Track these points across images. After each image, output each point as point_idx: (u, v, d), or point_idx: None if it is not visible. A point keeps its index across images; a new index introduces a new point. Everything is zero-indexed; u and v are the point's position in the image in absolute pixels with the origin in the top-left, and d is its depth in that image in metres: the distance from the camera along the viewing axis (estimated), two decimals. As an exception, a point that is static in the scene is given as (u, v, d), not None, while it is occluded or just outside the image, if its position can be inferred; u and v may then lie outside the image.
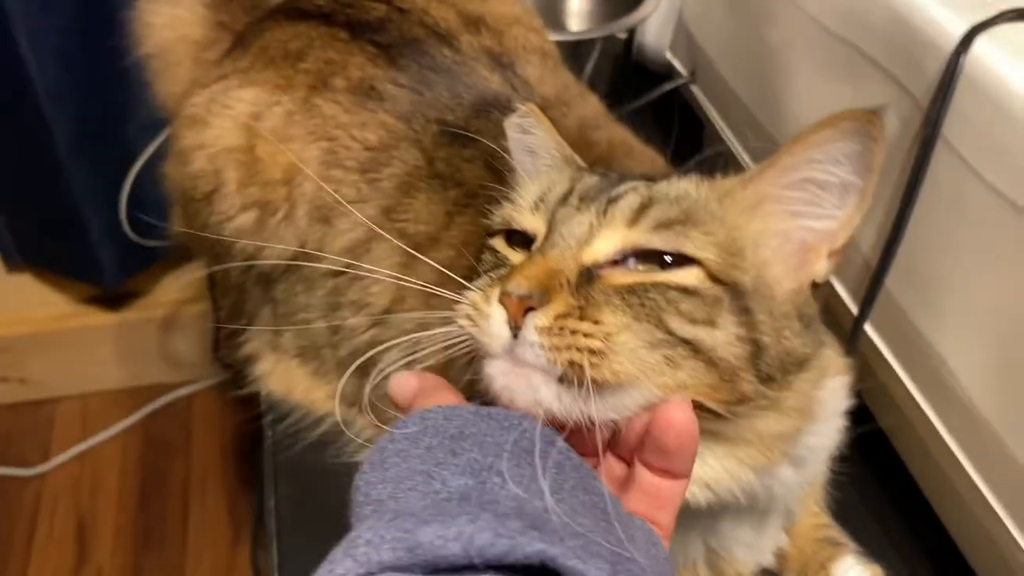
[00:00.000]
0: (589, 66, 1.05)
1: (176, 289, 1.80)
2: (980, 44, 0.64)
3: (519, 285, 0.48)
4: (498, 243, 0.58)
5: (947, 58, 0.65)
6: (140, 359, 1.89)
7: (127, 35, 0.91)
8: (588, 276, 0.50)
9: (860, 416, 0.64)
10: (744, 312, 0.50)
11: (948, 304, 0.67)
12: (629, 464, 0.49)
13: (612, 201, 0.53)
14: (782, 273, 0.52)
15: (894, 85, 0.70)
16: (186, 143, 0.78)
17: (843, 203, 0.52)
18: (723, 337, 0.49)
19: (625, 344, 0.47)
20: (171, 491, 1.81)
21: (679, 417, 0.46)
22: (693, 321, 0.48)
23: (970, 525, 0.68)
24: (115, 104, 1.45)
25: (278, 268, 0.77)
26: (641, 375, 0.47)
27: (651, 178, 0.57)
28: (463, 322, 0.50)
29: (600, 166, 0.67)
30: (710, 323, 0.49)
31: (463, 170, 0.74)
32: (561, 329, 0.47)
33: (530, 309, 0.47)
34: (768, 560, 0.65)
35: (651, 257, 0.51)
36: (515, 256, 0.56)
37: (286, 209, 0.75)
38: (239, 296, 0.82)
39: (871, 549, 0.70)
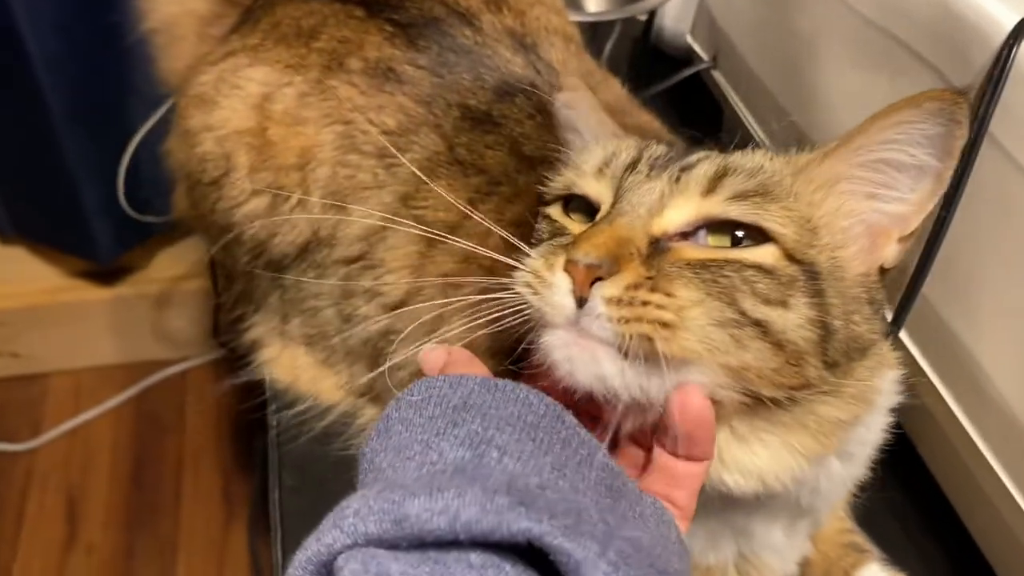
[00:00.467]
0: (607, 49, 1.02)
1: (172, 265, 1.78)
2: (1032, 37, 0.61)
3: (587, 253, 0.46)
4: (555, 211, 0.55)
5: (996, 50, 0.62)
6: (134, 335, 1.87)
7: (130, 9, 0.89)
8: (658, 247, 0.48)
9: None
10: (818, 294, 0.48)
11: (987, 308, 0.64)
12: (648, 450, 0.49)
13: (685, 169, 0.51)
14: (854, 255, 0.51)
15: (935, 77, 0.68)
16: (193, 123, 0.75)
17: (918, 187, 0.50)
18: (795, 319, 0.47)
19: (695, 320, 0.45)
20: (164, 468, 1.79)
21: (694, 403, 0.45)
22: (767, 302, 0.47)
23: (998, 531, 0.67)
24: (112, 76, 1.43)
25: (289, 255, 0.75)
26: (707, 353, 0.45)
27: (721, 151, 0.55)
28: (522, 289, 0.48)
29: None
30: (783, 304, 0.47)
31: (486, 157, 0.71)
32: (632, 300, 0.45)
33: (598, 279, 0.45)
34: (793, 571, 0.63)
35: (724, 230, 0.49)
36: (574, 225, 0.53)
37: (299, 195, 0.73)
38: (247, 282, 0.80)
39: (893, 555, 0.69)
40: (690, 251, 0.48)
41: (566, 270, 0.46)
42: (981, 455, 0.65)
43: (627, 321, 0.44)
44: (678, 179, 0.50)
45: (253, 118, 0.73)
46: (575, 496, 0.40)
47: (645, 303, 0.45)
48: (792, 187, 0.51)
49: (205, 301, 1.80)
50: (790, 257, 0.48)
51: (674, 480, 0.47)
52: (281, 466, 0.76)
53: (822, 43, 0.82)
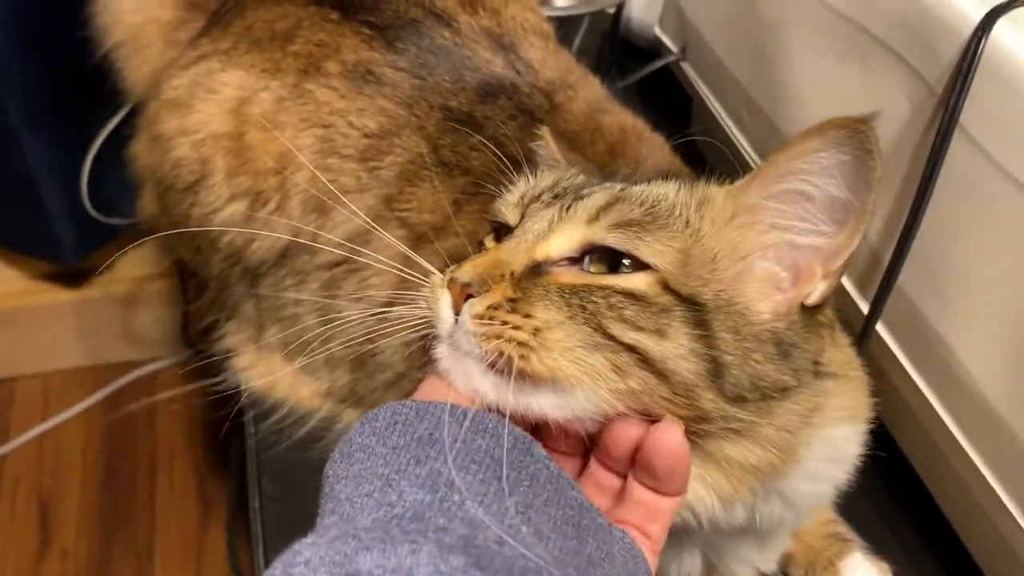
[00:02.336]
0: (576, 43, 1.02)
1: (139, 265, 1.76)
2: (1000, 28, 0.61)
3: (464, 272, 0.49)
4: (487, 239, 0.57)
5: (964, 42, 0.62)
6: (102, 336, 1.85)
7: (93, 28, 0.89)
8: (537, 271, 0.49)
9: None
10: (701, 326, 0.47)
11: (962, 299, 0.65)
12: (623, 477, 0.48)
13: (579, 198, 0.51)
14: (760, 290, 0.50)
15: (905, 69, 0.68)
16: (166, 128, 0.74)
17: (835, 220, 0.49)
18: (672, 348, 0.47)
19: (559, 342, 0.46)
20: (137, 470, 1.78)
21: (670, 440, 0.45)
22: (637, 328, 0.47)
23: (979, 521, 0.68)
24: (71, 76, 1.40)
25: (267, 261, 0.74)
26: (585, 376, 0.46)
27: (636, 181, 0.55)
28: (422, 303, 0.50)
29: (613, 154, 0.65)
30: (658, 332, 0.47)
31: (470, 158, 0.71)
32: (491, 319, 0.47)
33: (470, 296, 0.48)
34: (771, 568, 0.63)
35: (607, 259, 0.49)
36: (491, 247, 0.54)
37: (278, 199, 0.72)
38: (219, 290, 0.79)
39: (873, 544, 0.70)
40: (566, 276, 0.49)
41: (448, 287, 0.49)
42: (958, 444, 0.66)
43: (487, 338, 0.47)
44: (568, 207, 0.51)
45: (230, 122, 0.73)
46: (537, 545, 0.40)
47: (504, 322, 0.47)
48: (692, 218, 0.50)
49: (173, 301, 1.78)
50: (666, 287, 0.48)
51: (649, 514, 0.47)
52: (260, 473, 0.76)
53: (791, 34, 0.82)
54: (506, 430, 0.44)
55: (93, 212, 1.45)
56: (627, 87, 0.94)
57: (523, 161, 0.64)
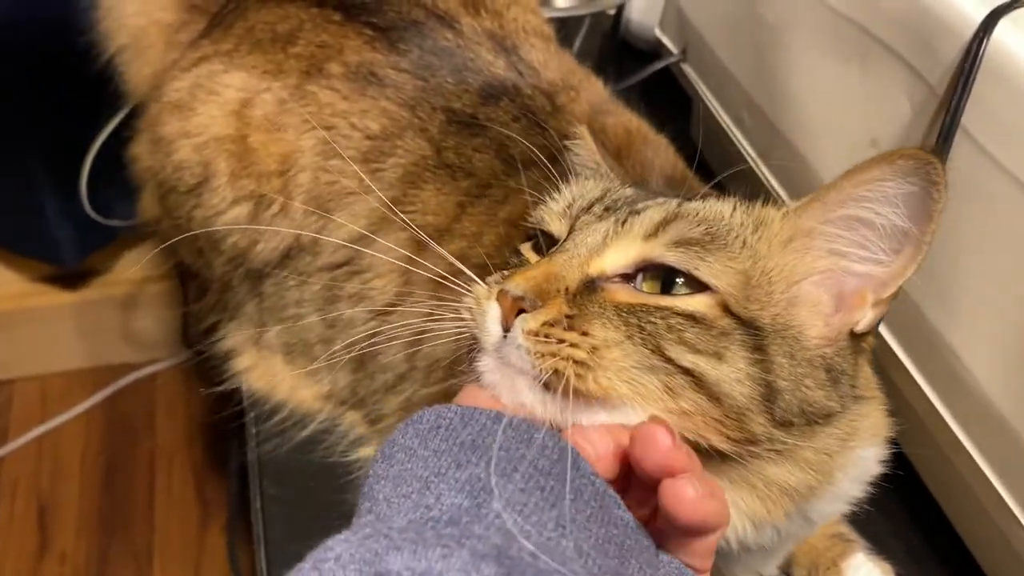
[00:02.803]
0: (577, 44, 1.02)
1: (137, 267, 1.76)
2: (1002, 29, 0.61)
3: (516, 286, 0.47)
4: (525, 247, 0.56)
5: (966, 43, 0.62)
6: (101, 338, 1.84)
7: (98, 33, 0.89)
8: (592, 287, 0.48)
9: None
10: (759, 350, 0.47)
11: (965, 301, 0.65)
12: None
13: (635, 212, 0.50)
14: (813, 315, 0.49)
15: (907, 69, 0.68)
16: (168, 130, 0.74)
17: (893, 249, 0.48)
18: (730, 372, 0.46)
19: (615, 361, 0.46)
20: (136, 473, 1.77)
21: (688, 494, 0.43)
22: (696, 351, 0.46)
23: (982, 523, 0.68)
24: (70, 77, 1.40)
25: (270, 263, 0.74)
26: (637, 396, 0.46)
27: (690, 197, 0.54)
28: (465, 314, 0.49)
29: (619, 156, 0.65)
30: (716, 355, 0.46)
31: (474, 160, 0.71)
32: (548, 336, 0.46)
33: (522, 311, 0.47)
34: (773, 572, 0.63)
35: (662, 277, 0.48)
36: (533, 259, 0.54)
37: (281, 201, 0.72)
38: (222, 291, 0.79)
39: (879, 548, 0.70)
40: (622, 294, 0.48)
41: (497, 300, 0.48)
42: (962, 447, 0.66)
43: (542, 355, 0.45)
44: (624, 222, 0.50)
45: (232, 124, 0.73)
46: (575, 561, 0.39)
47: (560, 340, 0.46)
48: (750, 239, 0.50)
49: (172, 302, 1.78)
50: (726, 309, 0.47)
51: (688, 551, 0.45)
52: (262, 474, 0.76)
53: (791, 34, 0.82)
54: (553, 442, 0.43)
55: (92, 214, 1.45)
56: (627, 88, 0.94)
57: (528, 164, 0.65)
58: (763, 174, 0.87)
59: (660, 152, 0.74)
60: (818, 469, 0.50)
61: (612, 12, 1.07)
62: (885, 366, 0.72)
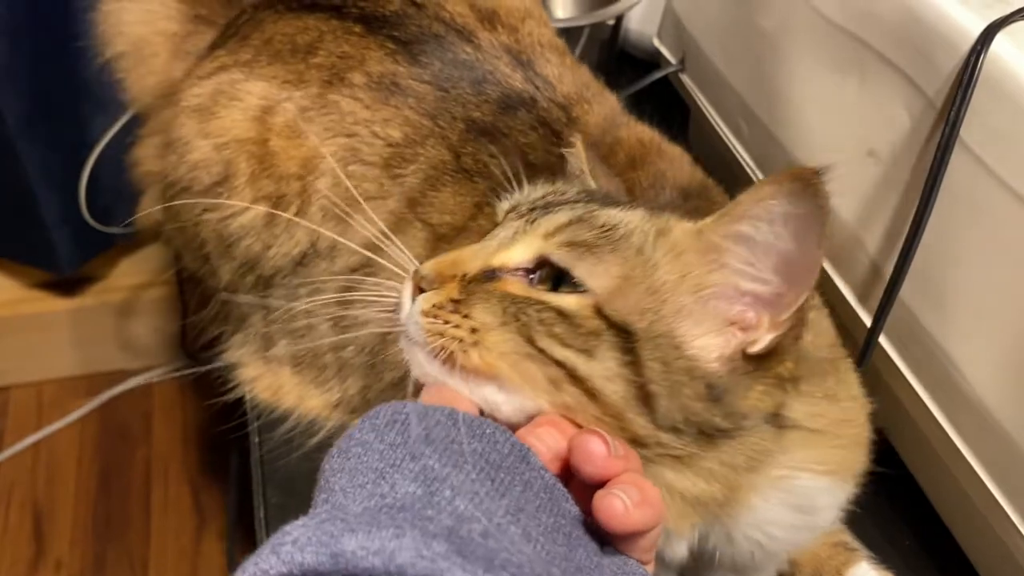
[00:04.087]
0: (576, 54, 1.02)
1: (135, 273, 1.76)
2: (999, 42, 0.62)
3: (424, 267, 0.53)
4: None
5: (963, 56, 0.63)
6: (97, 345, 1.84)
7: (94, 37, 0.89)
8: (492, 277, 0.52)
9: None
10: (629, 353, 0.48)
11: (963, 311, 0.66)
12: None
13: (548, 213, 0.53)
14: (698, 329, 0.49)
15: (905, 82, 0.69)
16: (186, 131, 0.75)
17: (778, 270, 0.48)
18: (600, 370, 0.48)
19: (496, 344, 0.49)
20: (132, 480, 1.77)
21: (617, 509, 0.44)
22: (565, 345, 0.48)
23: (979, 530, 0.68)
24: (68, 83, 1.40)
25: (282, 270, 0.74)
26: (524, 382, 0.49)
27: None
28: (397, 289, 0.55)
29: (633, 166, 0.69)
30: (586, 352, 0.48)
31: (491, 165, 0.72)
32: (436, 316, 0.51)
33: (423, 291, 0.52)
34: None
35: (553, 275, 0.51)
36: None
37: (299, 204, 0.73)
38: (227, 301, 0.79)
39: (876, 555, 0.70)
40: (512, 285, 0.51)
41: (412, 278, 0.53)
42: (960, 454, 0.67)
43: (431, 332, 0.50)
44: (534, 221, 0.53)
45: (254, 129, 0.74)
46: (524, 544, 0.41)
47: (446, 320, 0.50)
48: (647, 247, 0.50)
49: (170, 309, 1.78)
50: (598, 310, 0.49)
51: (632, 547, 0.47)
52: (266, 483, 0.76)
53: (789, 45, 0.83)
54: (503, 437, 0.46)
55: (91, 221, 1.45)
56: (626, 98, 0.95)
57: (544, 169, 0.67)
58: (759, 179, 0.87)
59: (674, 163, 0.75)
60: (724, 482, 0.50)
61: (611, 23, 1.07)
62: (883, 373, 0.73)
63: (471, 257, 0.53)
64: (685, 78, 1.01)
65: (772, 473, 0.52)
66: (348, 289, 0.72)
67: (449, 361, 0.50)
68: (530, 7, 0.83)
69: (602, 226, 0.51)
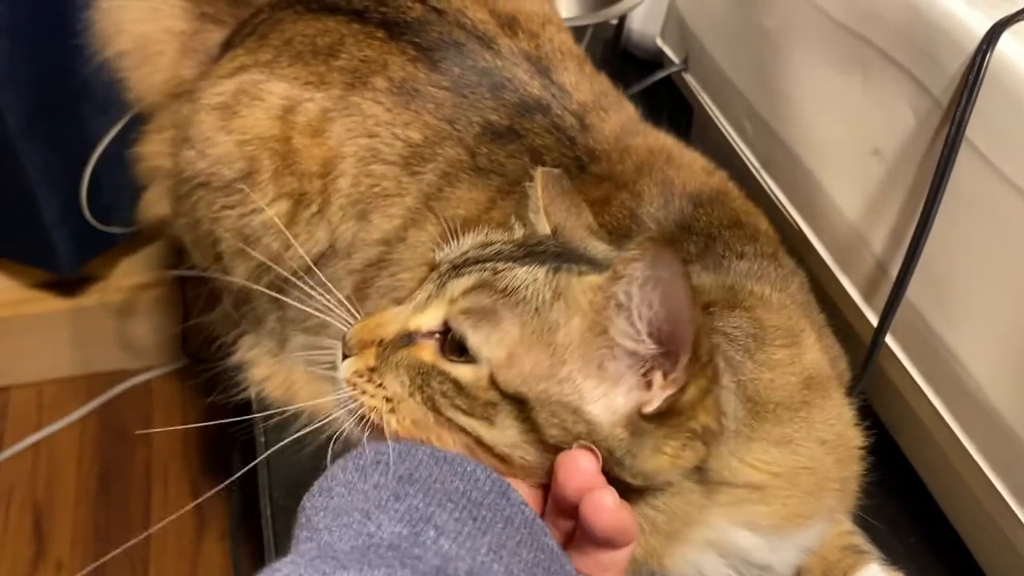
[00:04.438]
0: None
1: (135, 273, 1.76)
2: (1005, 41, 0.62)
3: (348, 333, 0.55)
4: None
5: (969, 56, 0.63)
6: (97, 345, 1.84)
7: (93, 35, 0.89)
8: (409, 340, 0.52)
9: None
10: (528, 421, 0.48)
11: (970, 311, 0.66)
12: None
13: (456, 276, 0.53)
14: (590, 390, 0.49)
15: (910, 81, 0.69)
16: (206, 128, 0.75)
17: (655, 332, 0.48)
18: (503, 438, 0.49)
19: (410, 413, 0.50)
20: (132, 480, 1.77)
21: (606, 507, 0.46)
22: (467, 414, 0.49)
23: (985, 528, 0.69)
24: (69, 83, 1.40)
25: (300, 269, 0.75)
26: (442, 446, 0.49)
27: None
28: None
29: (640, 172, 0.69)
30: (487, 420, 0.49)
31: (506, 164, 0.73)
32: (355, 384, 0.52)
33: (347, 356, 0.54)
34: None
35: (460, 341, 0.51)
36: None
37: (320, 202, 0.74)
38: (239, 303, 0.79)
39: (881, 553, 0.69)
40: (424, 351, 0.51)
41: (341, 344, 0.55)
42: (967, 452, 0.67)
43: (353, 397, 0.52)
44: (445, 284, 0.53)
45: (277, 127, 0.74)
46: None
47: (363, 389, 0.52)
48: (543, 308, 0.50)
49: (170, 310, 1.78)
50: (492, 381, 0.49)
51: (601, 566, 0.48)
52: (271, 483, 0.76)
53: (793, 45, 0.83)
54: (484, 475, 0.47)
55: (93, 220, 1.45)
56: (629, 98, 0.95)
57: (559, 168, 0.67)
58: (765, 183, 0.88)
59: (683, 170, 0.74)
60: (657, 537, 0.52)
61: (614, 22, 1.07)
62: (889, 372, 0.73)
63: (391, 320, 0.54)
64: (688, 78, 1.01)
65: (703, 533, 0.52)
66: (364, 282, 0.73)
67: (371, 426, 0.51)
68: (549, 12, 0.83)
69: (504, 289, 0.51)
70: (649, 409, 0.48)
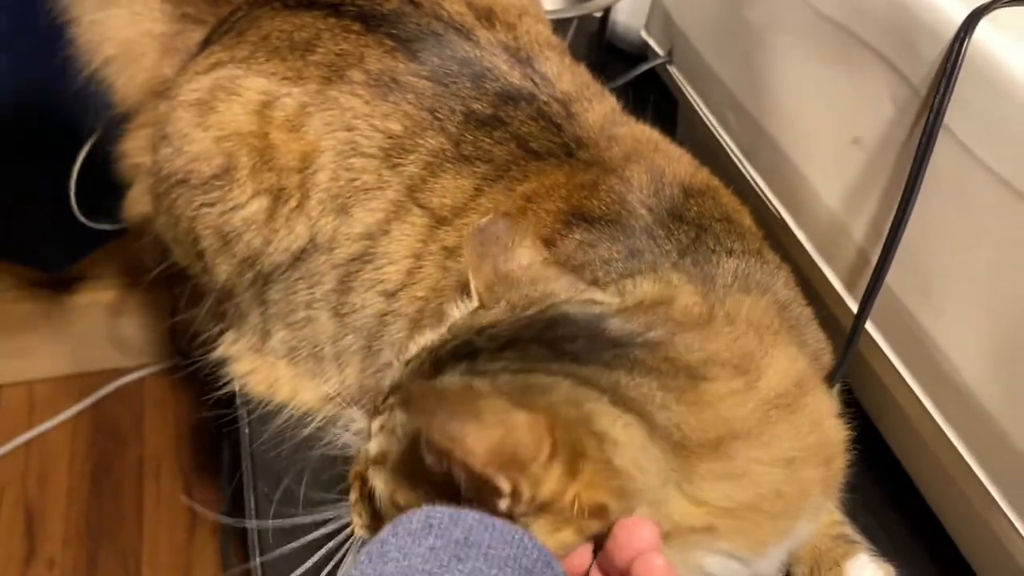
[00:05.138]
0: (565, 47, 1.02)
1: (126, 271, 1.75)
2: (982, 29, 0.62)
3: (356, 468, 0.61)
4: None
5: (947, 44, 0.63)
6: (88, 343, 1.84)
7: (79, 47, 0.90)
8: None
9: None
10: None
11: (949, 297, 0.66)
12: None
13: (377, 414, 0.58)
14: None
15: (889, 70, 0.69)
16: (183, 124, 0.75)
17: (453, 462, 0.50)
18: None
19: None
20: (124, 478, 1.77)
21: (658, 564, 0.48)
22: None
23: (967, 516, 0.69)
24: (58, 81, 1.39)
25: (282, 265, 0.75)
26: None
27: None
28: None
29: (628, 159, 0.71)
30: None
31: (492, 150, 0.73)
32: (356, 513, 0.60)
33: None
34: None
35: None
36: None
37: (299, 197, 0.74)
38: (222, 300, 0.79)
39: (866, 540, 0.70)
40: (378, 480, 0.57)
41: None
42: (947, 439, 0.67)
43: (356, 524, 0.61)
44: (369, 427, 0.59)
45: (254, 123, 0.74)
46: None
47: (356, 522, 0.60)
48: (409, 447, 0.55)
49: (161, 307, 1.78)
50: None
51: None
52: (256, 475, 0.76)
53: (776, 36, 0.83)
54: (532, 543, 0.47)
55: (82, 218, 1.44)
56: (614, 90, 0.95)
57: (546, 155, 0.71)
58: (749, 174, 0.88)
59: (673, 161, 0.75)
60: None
61: (599, 15, 1.08)
62: (869, 359, 0.73)
63: (363, 455, 0.59)
64: (673, 70, 1.02)
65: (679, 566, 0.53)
66: (348, 276, 0.73)
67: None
68: (526, 4, 0.83)
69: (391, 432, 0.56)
70: (519, 513, 0.50)
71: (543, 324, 0.56)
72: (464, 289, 0.62)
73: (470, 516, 0.47)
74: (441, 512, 0.47)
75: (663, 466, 0.52)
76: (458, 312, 0.61)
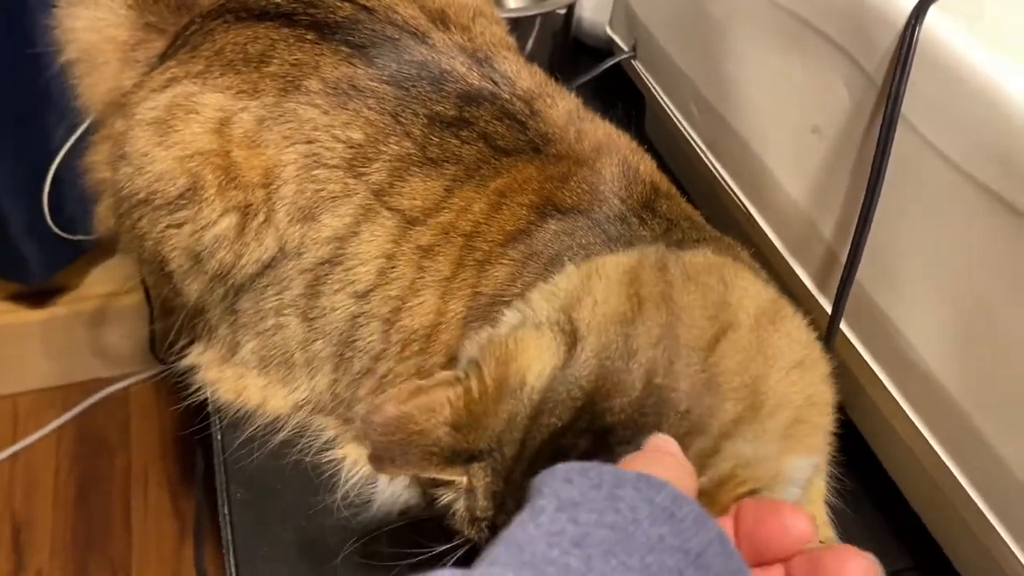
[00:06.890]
0: (529, 44, 1.03)
1: (106, 281, 1.75)
2: (932, 16, 0.63)
3: None
4: None
5: (899, 32, 0.64)
6: (71, 355, 1.84)
7: (50, 42, 0.88)
8: None
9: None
10: None
11: (916, 290, 0.65)
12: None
13: None
14: None
15: (846, 60, 0.69)
16: (142, 144, 0.73)
17: None
18: None
19: None
20: (111, 489, 1.77)
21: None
22: None
23: (940, 507, 0.69)
24: (31, 94, 1.39)
25: (253, 276, 0.74)
26: None
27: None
28: None
29: (599, 151, 0.73)
30: None
31: (460, 151, 0.73)
32: None
33: None
34: None
35: None
36: None
37: (266, 211, 0.73)
38: (193, 315, 0.79)
39: (845, 536, 0.70)
40: None
41: None
42: (923, 437, 0.66)
43: None
44: None
45: (215, 141, 0.73)
46: None
47: None
48: None
49: (142, 316, 1.77)
50: None
51: None
52: (229, 480, 0.76)
53: (736, 29, 0.83)
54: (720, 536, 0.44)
55: (56, 229, 1.44)
56: (580, 87, 0.95)
57: (515, 152, 0.72)
58: (714, 167, 0.88)
59: (642, 160, 0.76)
60: None
61: (563, 12, 1.08)
62: (848, 362, 0.73)
63: None
64: (638, 65, 1.02)
65: None
66: (318, 279, 0.73)
67: None
68: (480, 5, 0.82)
69: None
70: None
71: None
72: None
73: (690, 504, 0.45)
74: (690, 505, 0.44)
75: None
76: None
